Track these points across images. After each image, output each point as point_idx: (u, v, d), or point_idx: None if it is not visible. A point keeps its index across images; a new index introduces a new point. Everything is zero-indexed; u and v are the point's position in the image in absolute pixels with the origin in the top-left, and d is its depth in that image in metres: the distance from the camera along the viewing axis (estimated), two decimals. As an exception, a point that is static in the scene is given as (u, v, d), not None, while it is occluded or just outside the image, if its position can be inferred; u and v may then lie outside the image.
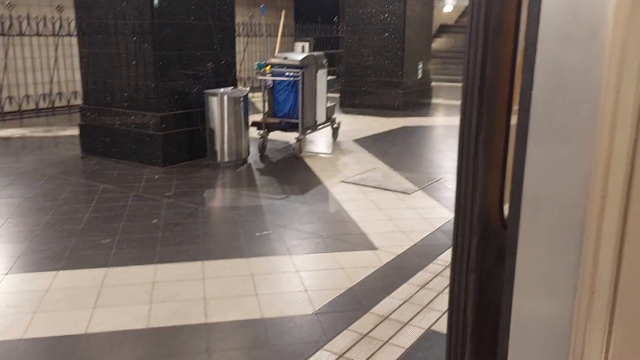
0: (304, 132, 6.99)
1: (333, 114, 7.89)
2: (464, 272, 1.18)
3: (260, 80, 7.14)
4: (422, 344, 2.84)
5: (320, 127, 7.48)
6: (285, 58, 6.94)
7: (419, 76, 11.36)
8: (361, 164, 6.56)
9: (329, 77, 7.62)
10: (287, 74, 6.81)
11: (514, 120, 1.08)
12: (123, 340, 2.84)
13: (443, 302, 3.27)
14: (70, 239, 4.15)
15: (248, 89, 6.91)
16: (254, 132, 6.98)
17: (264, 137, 7.00)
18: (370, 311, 3.15)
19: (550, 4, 0.92)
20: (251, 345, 2.81)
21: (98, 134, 6.79)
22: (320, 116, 7.38)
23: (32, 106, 9.33)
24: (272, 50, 12.96)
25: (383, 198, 5.26)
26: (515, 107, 1.02)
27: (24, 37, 9.19)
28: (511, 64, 1.18)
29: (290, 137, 7.53)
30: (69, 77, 9.91)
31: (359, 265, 3.75)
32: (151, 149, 6.35)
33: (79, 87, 8.29)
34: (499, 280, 1.11)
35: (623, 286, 1.00)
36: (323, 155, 7.11)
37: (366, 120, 9.79)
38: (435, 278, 3.58)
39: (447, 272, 3.60)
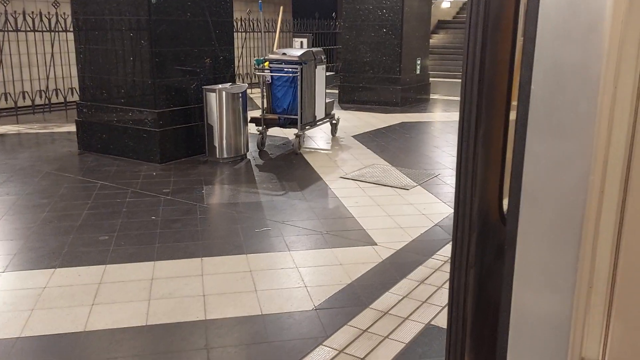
0: (303, 128, 6.98)
1: (332, 110, 7.89)
2: (464, 267, 1.18)
3: (259, 76, 7.12)
4: (421, 339, 2.85)
5: (319, 123, 7.47)
6: (284, 54, 6.93)
7: (417, 72, 11.36)
8: (360, 160, 6.56)
9: (328, 73, 7.61)
10: (285, 69, 6.80)
11: (512, 116, 1.08)
12: (121, 338, 2.85)
13: (442, 297, 3.28)
14: (68, 236, 4.15)
15: (246, 85, 6.90)
16: (252, 128, 6.97)
17: (262, 133, 7.00)
18: (370, 306, 3.16)
19: (549, 0, 0.92)
20: (250, 342, 2.82)
21: (95, 130, 6.77)
22: (319, 112, 7.37)
23: (28, 103, 9.30)
24: (270, 46, 12.93)
25: (382, 194, 5.27)
26: (514, 103, 1.02)
27: (19, 33, 9.16)
28: (510, 60, 1.18)
29: (289, 133, 7.53)
30: (65, 74, 9.88)
31: (358, 261, 3.76)
32: (149, 145, 6.34)
33: (75, 83, 8.26)
34: (498, 275, 1.11)
35: (621, 281, 1.01)
36: (322, 151, 7.11)
37: (364, 116, 9.79)
38: (435, 273, 3.58)
39: (446, 267, 3.61)
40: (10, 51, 9.26)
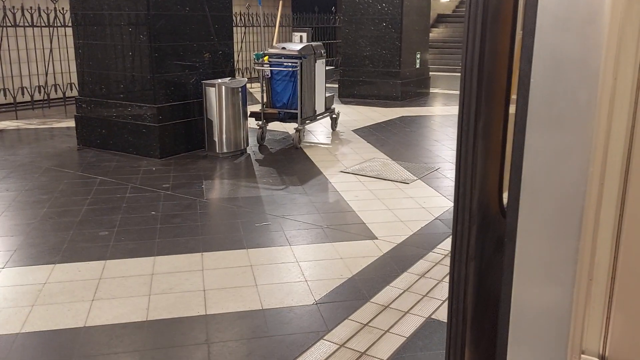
0: (303, 123, 6.97)
1: (332, 104, 7.87)
2: (464, 261, 1.18)
3: (259, 70, 7.11)
4: (422, 332, 2.85)
5: (319, 117, 7.46)
6: (283, 48, 6.92)
7: (417, 66, 11.34)
8: (360, 154, 6.55)
9: (327, 68, 7.59)
10: (285, 64, 6.79)
11: (512, 108, 1.08)
12: (122, 333, 2.85)
13: (443, 291, 3.28)
14: (68, 232, 4.15)
15: (246, 79, 6.88)
16: (252, 123, 6.96)
17: (262, 128, 6.99)
18: (371, 300, 3.16)
19: (549, -9, 0.92)
20: (251, 336, 2.82)
21: (94, 126, 6.77)
22: (319, 106, 7.36)
23: (27, 98, 9.28)
24: (270, 40, 12.89)
25: (382, 188, 5.27)
26: (514, 96, 1.02)
27: (18, 29, 9.13)
28: (509, 53, 1.18)
29: (289, 127, 7.52)
30: (64, 69, 9.85)
31: (358, 255, 3.76)
32: (148, 140, 6.34)
33: (74, 78, 8.24)
34: (498, 268, 1.11)
35: (621, 273, 1.01)
36: (322, 146, 7.11)
37: (364, 110, 9.78)
38: (435, 267, 3.59)
39: (447, 261, 3.61)
40: (9, 47, 9.24)
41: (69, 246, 3.89)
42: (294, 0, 15.73)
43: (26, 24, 8.96)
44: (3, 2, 8.76)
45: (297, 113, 6.82)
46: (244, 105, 6.54)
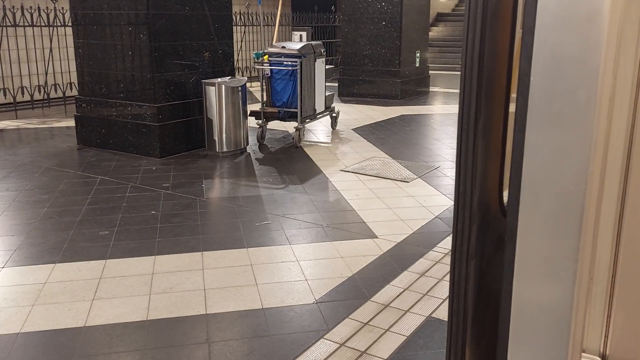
0: (302, 122, 6.97)
1: (332, 103, 7.87)
2: (464, 259, 1.18)
3: (259, 69, 7.11)
4: (423, 331, 2.85)
5: (319, 116, 7.46)
6: (283, 47, 6.91)
7: (417, 65, 11.34)
8: (360, 153, 6.55)
9: (327, 67, 7.59)
10: (285, 63, 6.79)
11: (512, 107, 1.08)
12: (122, 332, 2.85)
13: (443, 290, 3.28)
14: (68, 231, 4.15)
15: (246, 78, 6.88)
16: (252, 122, 6.96)
17: (262, 127, 6.99)
18: (371, 299, 3.17)
19: (549, -10, 0.92)
20: (252, 335, 2.83)
21: (94, 125, 6.76)
22: (319, 105, 7.36)
23: (27, 98, 9.28)
24: (269, 39, 12.88)
25: (382, 186, 5.27)
26: (514, 94, 1.02)
27: (18, 28, 9.13)
28: (509, 52, 1.18)
29: (289, 126, 7.52)
30: (64, 68, 9.85)
31: (358, 254, 3.76)
32: (148, 140, 6.34)
33: (74, 78, 8.24)
34: (499, 266, 1.11)
35: (622, 271, 1.01)
36: (322, 145, 7.10)
37: (364, 109, 9.78)
38: (435, 265, 3.59)
39: (447, 260, 3.61)
40: (8, 46, 9.24)
41: (69, 246, 3.89)
42: (294, -1, 15.72)
43: (26, 24, 8.96)
44: (3, 1, 8.75)
45: (297, 112, 6.82)
46: (244, 104, 6.54)
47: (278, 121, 7.19)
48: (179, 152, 6.48)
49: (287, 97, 6.87)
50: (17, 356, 2.65)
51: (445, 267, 3.55)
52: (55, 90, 9.61)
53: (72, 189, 5.24)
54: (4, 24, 8.80)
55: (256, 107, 7.17)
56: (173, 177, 5.55)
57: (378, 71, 10.85)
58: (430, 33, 12.88)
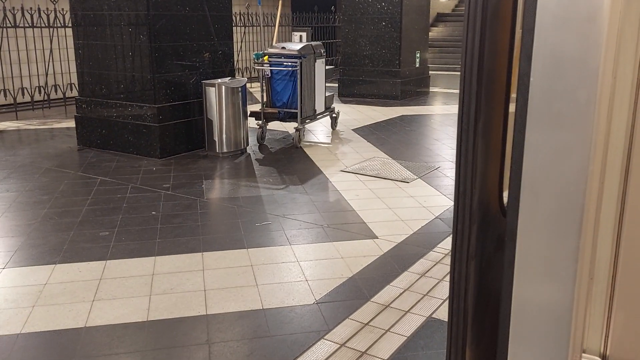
0: (302, 122, 6.97)
1: (332, 104, 7.87)
2: (464, 260, 1.18)
3: (259, 70, 7.11)
4: (423, 331, 2.85)
5: (319, 116, 7.46)
6: (283, 48, 6.92)
7: (417, 65, 11.34)
8: (360, 153, 6.55)
9: (327, 67, 7.59)
10: (285, 63, 6.79)
11: (512, 107, 1.08)
12: (123, 333, 2.85)
13: (443, 290, 3.28)
14: (68, 232, 4.15)
15: (246, 79, 6.88)
16: (252, 123, 6.96)
17: (262, 127, 6.99)
18: (371, 300, 3.16)
19: (548, -10, 0.92)
20: (252, 336, 2.82)
21: (94, 126, 6.77)
22: (319, 106, 7.36)
23: (27, 99, 9.28)
24: (269, 40, 12.89)
25: (382, 187, 5.27)
26: (514, 95, 1.02)
27: (18, 29, 9.14)
28: (509, 52, 1.18)
29: (289, 127, 7.52)
30: (64, 69, 9.85)
31: (359, 254, 3.76)
32: (148, 140, 6.34)
33: (74, 79, 8.25)
34: (499, 267, 1.11)
35: (622, 271, 1.01)
36: (322, 145, 7.11)
37: (364, 109, 9.78)
38: (436, 266, 3.59)
39: (447, 260, 3.61)
40: (9, 47, 9.24)
41: (69, 247, 3.89)
42: (294, -1, 15.72)
43: (26, 25, 8.96)
44: (3, 2, 8.76)
45: (297, 112, 6.82)
46: (244, 104, 6.54)
47: (278, 122, 7.19)
48: (179, 152, 6.48)
49: (287, 98, 6.87)
50: (17, 357, 2.65)
51: (445, 267, 3.55)
52: (56, 91, 9.61)
53: (73, 189, 5.24)
54: (4, 25, 8.80)
55: (256, 107, 7.17)
56: (173, 178, 5.55)
57: (378, 71, 10.85)
58: (430, 33, 12.88)
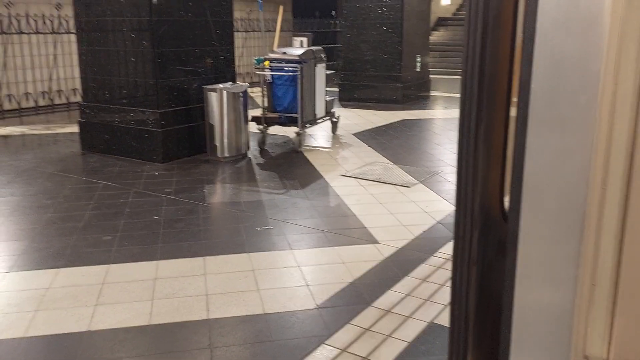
0: (303, 127, 6.98)
1: (332, 108, 7.88)
2: (466, 265, 1.18)
3: (260, 75, 7.12)
4: (424, 337, 2.84)
5: (319, 121, 7.47)
6: (284, 53, 6.93)
7: (418, 69, 11.35)
8: (361, 158, 6.55)
9: (328, 72, 7.60)
10: (286, 68, 6.80)
11: (513, 111, 1.08)
12: (125, 337, 2.85)
13: (445, 295, 3.27)
14: (71, 237, 4.15)
15: (247, 84, 6.90)
16: (253, 127, 6.97)
17: (263, 132, 7.00)
18: (372, 305, 3.16)
19: (549, -6, 0.92)
20: (253, 341, 2.82)
21: (98, 131, 6.78)
22: (320, 110, 7.37)
23: (31, 104, 9.32)
24: (270, 45, 12.91)
25: (383, 191, 5.26)
26: (515, 99, 1.02)
27: (22, 35, 9.18)
28: (510, 56, 1.18)
29: (290, 131, 7.53)
30: (68, 75, 9.89)
31: (360, 259, 3.75)
32: (151, 145, 6.35)
33: (78, 84, 8.28)
34: (500, 272, 1.11)
35: (625, 276, 1.00)
36: (323, 149, 7.11)
37: (365, 114, 9.78)
38: (437, 271, 3.58)
39: (449, 265, 3.60)
40: (13, 53, 9.29)
41: (72, 251, 3.90)
42: (295, 5, 15.76)
43: (31, 31, 9.00)
44: (8, 9, 8.80)
45: (297, 117, 6.83)
46: (245, 109, 6.55)
47: (279, 126, 7.20)
48: (181, 157, 6.49)
49: (288, 103, 6.88)
50: (19, 362, 2.65)
51: (446, 272, 3.54)
52: (60, 97, 9.65)
53: (76, 194, 5.25)
54: (9, 31, 8.84)
55: (257, 112, 7.18)
56: (175, 183, 5.56)
57: (379, 76, 10.87)
58: (431, 37, 12.90)
